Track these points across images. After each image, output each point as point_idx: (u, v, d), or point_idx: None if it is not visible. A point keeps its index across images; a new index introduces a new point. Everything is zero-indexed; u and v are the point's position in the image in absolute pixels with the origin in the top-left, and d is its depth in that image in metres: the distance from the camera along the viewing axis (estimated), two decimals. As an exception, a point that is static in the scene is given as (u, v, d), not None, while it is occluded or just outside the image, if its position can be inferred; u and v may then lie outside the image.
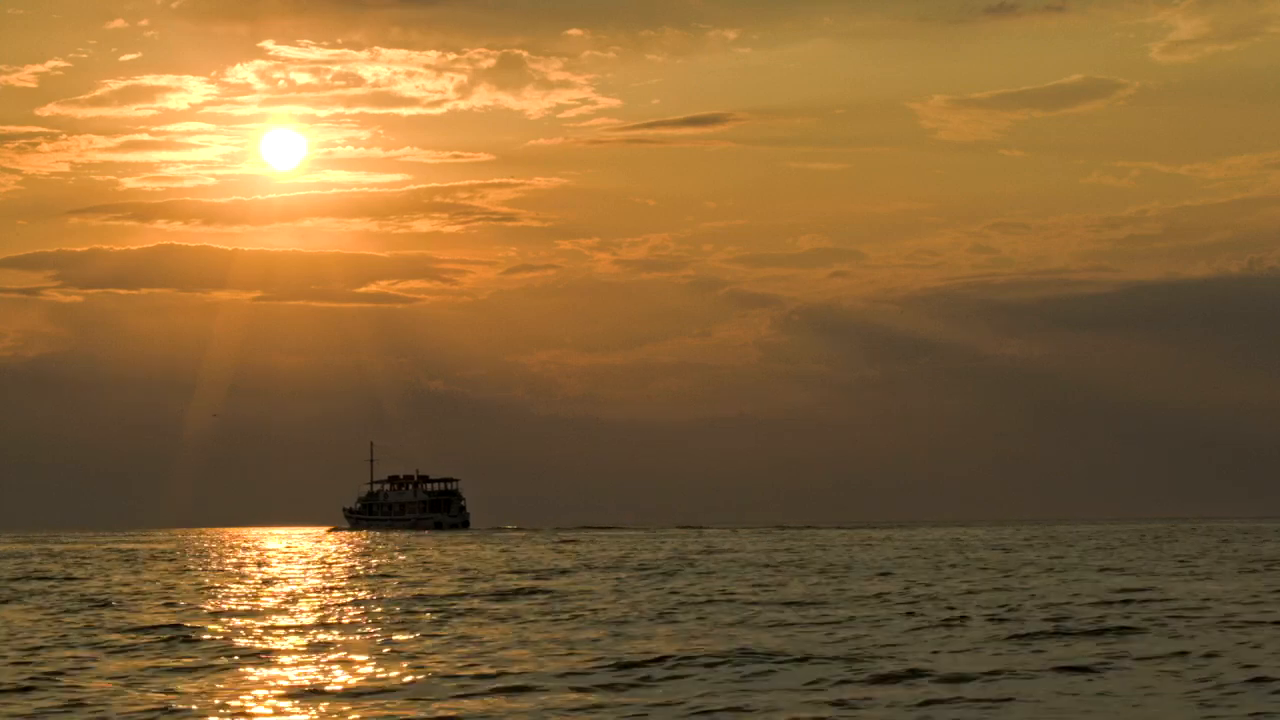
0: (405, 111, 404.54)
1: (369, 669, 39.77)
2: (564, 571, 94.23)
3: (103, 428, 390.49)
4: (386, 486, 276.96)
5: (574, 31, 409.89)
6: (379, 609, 61.71)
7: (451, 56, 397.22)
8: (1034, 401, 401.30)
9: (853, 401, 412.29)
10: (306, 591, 75.13)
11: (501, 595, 69.59)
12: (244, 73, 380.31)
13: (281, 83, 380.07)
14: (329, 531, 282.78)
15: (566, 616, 56.56)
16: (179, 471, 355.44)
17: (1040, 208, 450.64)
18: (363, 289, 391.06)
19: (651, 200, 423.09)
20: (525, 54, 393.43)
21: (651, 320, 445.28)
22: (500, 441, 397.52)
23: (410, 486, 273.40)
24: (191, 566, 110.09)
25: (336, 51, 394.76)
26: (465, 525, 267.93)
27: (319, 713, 32.91)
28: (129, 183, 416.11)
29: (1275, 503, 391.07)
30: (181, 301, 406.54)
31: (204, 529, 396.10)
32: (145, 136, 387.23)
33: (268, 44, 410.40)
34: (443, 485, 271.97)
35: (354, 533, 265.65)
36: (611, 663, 40.28)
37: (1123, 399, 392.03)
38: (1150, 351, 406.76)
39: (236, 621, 55.62)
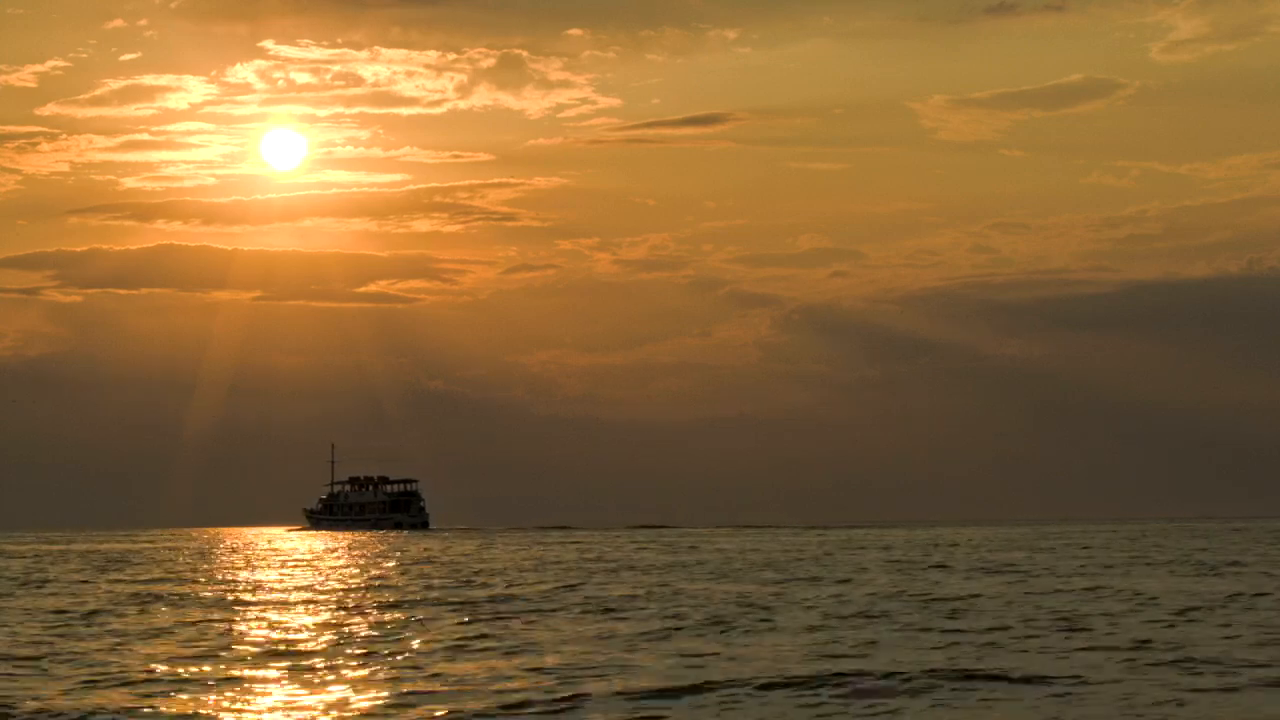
0: (405, 111, 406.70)
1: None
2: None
3: (103, 428, 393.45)
4: (347, 487, 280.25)
5: (574, 31, 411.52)
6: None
7: (451, 56, 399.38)
8: (1034, 401, 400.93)
9: (853, 401, 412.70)
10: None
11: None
12: (244, 72, 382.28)
13: (281, 82, 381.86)
14: (288, 531, 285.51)
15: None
16: (179, 471, 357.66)
17: (1040, 208, 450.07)
18: (362, 289, 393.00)
19: (651, 200, 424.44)
20: (525, 54, 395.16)
21: (651, 320, 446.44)
22: (500, 441, 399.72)
23: (370, 487, 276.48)
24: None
25: (336, 51, 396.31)
26: (425, 525, 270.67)
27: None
28: (129, 182, 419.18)
29: (1275, 503, 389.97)
30: (181, 301, 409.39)
31: (203, 529, 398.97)
32: (145, 136, 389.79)
33: (268, 44, 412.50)
34: (403, 486, 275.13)
35: (315, 532, 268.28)
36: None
37: (1123, 399, 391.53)
38: (1150, 351, 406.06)
39: None
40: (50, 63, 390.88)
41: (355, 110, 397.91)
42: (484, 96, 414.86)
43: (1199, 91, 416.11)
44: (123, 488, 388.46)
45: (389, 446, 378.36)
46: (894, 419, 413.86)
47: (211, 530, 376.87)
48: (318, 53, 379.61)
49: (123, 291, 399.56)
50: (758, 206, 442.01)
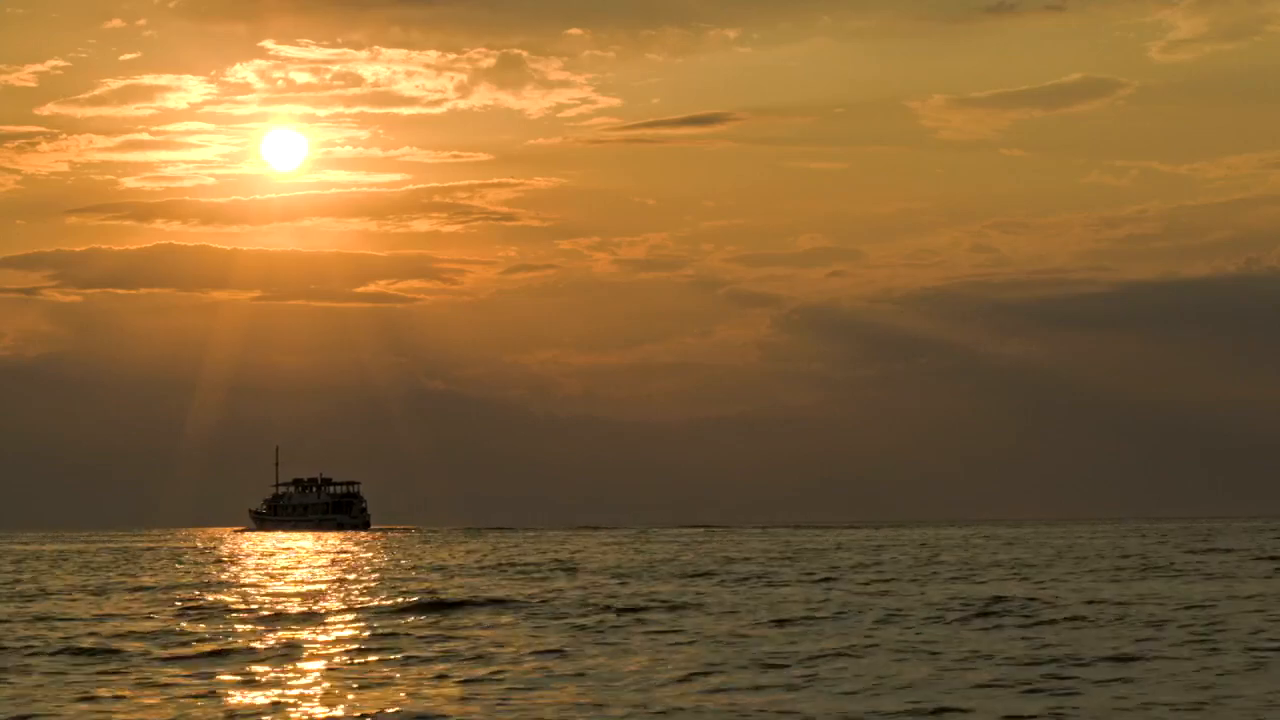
0: (405, 111, 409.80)
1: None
2: None
3: (102, 428, 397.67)
4: (291, 489, 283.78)
5: (574, 31, 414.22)
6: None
7: (451, 56, 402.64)
8: (1033, 401, 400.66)
9: (852, 401, 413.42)
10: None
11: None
12: (243, 72, 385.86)
13: (281, 82, 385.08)
14: (233, 532, 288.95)
15: None
16: (179, 471, 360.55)
17: (1040, 207, 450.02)
18: (362, 289, 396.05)
19: (651, 200, 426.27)
20: (525, 54, 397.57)
21: (651, 320, 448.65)
22: (500, 441, 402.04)
23: (314, 489, 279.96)
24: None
25: (336, 51, 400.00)
26: (366, 526, 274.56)
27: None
28: (128, 182, 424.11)
29: (1276, 503, 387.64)
30: (181, 301, 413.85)
31: (203, 529, 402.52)
32: (145, 136, 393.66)
33: (267, 43, 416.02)
34: (345, 488, 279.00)
35: (260, 533, 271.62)
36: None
37: (1122, 399, 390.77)
38: (1149, 351, 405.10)
39: None
40: (50, 62, 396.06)
41: (355, 110, 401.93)
42: (484, 96, 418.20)
43: (1198, 91, 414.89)
44: (123, 488, 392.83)
45: (388, 445, 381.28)
46: (894, 418, 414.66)
47: (217, 530, 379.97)
48: (318, 52, 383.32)
49: (122, 291, 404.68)
50: (757, 206, 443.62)
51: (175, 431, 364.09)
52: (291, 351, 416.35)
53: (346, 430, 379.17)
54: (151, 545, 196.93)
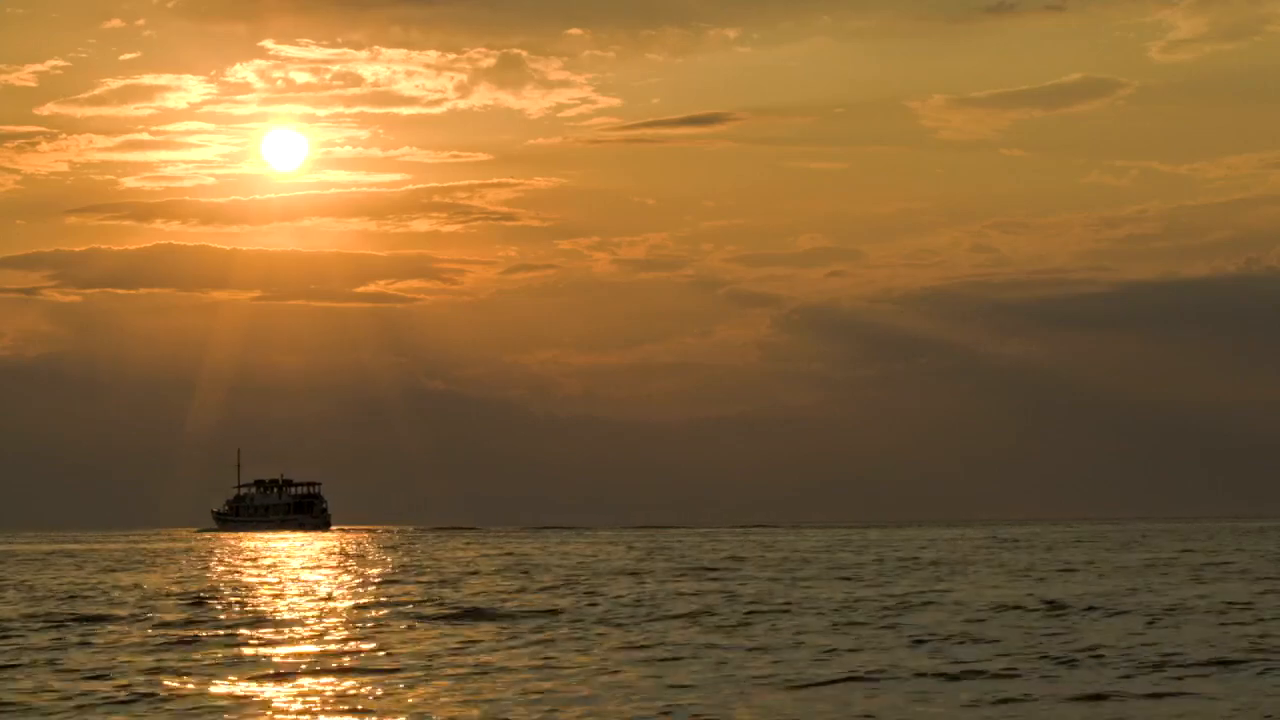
0: (405, 111, 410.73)
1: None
2: None
3: (102, 428, 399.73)
4: (253, 490, 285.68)
5: (574, 31, 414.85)
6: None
7: (451, 56, 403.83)
8: (1034, 401, 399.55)
9: (852, 401, 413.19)
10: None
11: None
12: (243, 72, 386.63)
13: (281, 82, 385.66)
14: (193, 533, 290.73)
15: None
16: (179, 471, 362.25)
17: (1040, 207, 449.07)
18: (362, 289, 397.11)
19: (651, 200, 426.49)
20: (525, 54, 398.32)
21: (651, 320, 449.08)
22: (500, 441, 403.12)
23: (275, 490, 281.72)
24: None
25: (336, 51, 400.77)
26: (326, 526, 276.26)
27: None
28: (128, 182, 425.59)
29: (1276, 503, 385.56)
30: (181, 301, 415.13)
31: (202, 529, 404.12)
32: (144, 136, 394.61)
33: (267, 43, 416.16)
34: (306, 489, 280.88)
35: (222, 534, 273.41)
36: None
37: (1122, 399, 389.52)
38: (1149, 351, 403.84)
39: None
40: (50, 62, 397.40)
41: (355, 110, 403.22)
42: (484, 96, 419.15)
43: (1198, 91, 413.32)
44: (123, 488, 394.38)
45: (387, 445, 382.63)
46: (894, 418, 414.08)
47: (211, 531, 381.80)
48: (318, 52, 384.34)
49: (122, 291, 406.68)
50: (757, 206, 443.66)
51: (175, 431, 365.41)
52: (291, 351, 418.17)
53: (346, 430, 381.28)
54: (89, 548, 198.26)
